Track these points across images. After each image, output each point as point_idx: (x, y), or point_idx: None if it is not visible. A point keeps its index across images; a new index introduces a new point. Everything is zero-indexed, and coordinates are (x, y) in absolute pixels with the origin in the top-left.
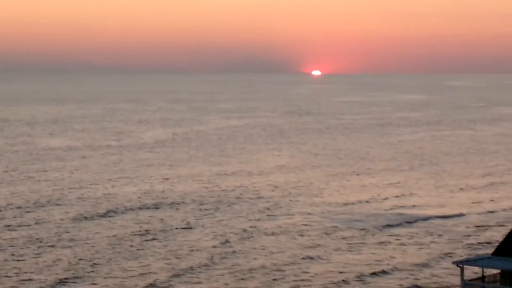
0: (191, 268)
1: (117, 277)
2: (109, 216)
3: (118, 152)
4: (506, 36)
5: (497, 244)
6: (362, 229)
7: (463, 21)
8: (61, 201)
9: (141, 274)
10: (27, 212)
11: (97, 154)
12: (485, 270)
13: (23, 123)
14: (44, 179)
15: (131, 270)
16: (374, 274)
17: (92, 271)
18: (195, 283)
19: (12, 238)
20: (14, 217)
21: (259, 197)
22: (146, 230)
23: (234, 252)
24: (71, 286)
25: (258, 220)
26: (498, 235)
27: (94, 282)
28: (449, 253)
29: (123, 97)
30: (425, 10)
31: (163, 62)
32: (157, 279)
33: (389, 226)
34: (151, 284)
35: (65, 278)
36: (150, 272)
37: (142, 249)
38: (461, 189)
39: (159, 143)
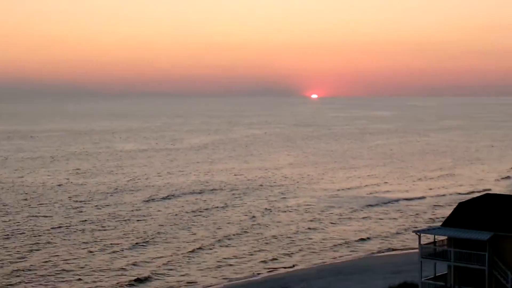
0: (228, 235)
1: (173, 242)
2: (168, 199)
3: (174, 153)
4: (455, 68)
5: (445, 218)
6: (349, 208)
7: (421, 57)
8: (133, 188)
9: (191, 240)
10: (110, 195)
11: (159, 154)
12: (436, 237)
13: (105, 132)
14: (121, 172)
15: (184, 237)
16: (359, 240)
17: (156, 238)
18: (231, 246)
19: (99, 214)
20: (100, 199)
21: (274, 185)
22: (196, 209)
23: (258, 224)
24: (141, 249)
25: (274, 201)
26: (446, 212)
27: (158, 246)
28: (412, 225)
29: (175, 114)
30: (396, 49)
31: (202, 88)
32: (203, 243)
33: (369, 205)
34: (199, 248)
35: (137, 243)
36: (197, 239)
37: (192, 222)
38: (420, 179)
39: (203, 147)
